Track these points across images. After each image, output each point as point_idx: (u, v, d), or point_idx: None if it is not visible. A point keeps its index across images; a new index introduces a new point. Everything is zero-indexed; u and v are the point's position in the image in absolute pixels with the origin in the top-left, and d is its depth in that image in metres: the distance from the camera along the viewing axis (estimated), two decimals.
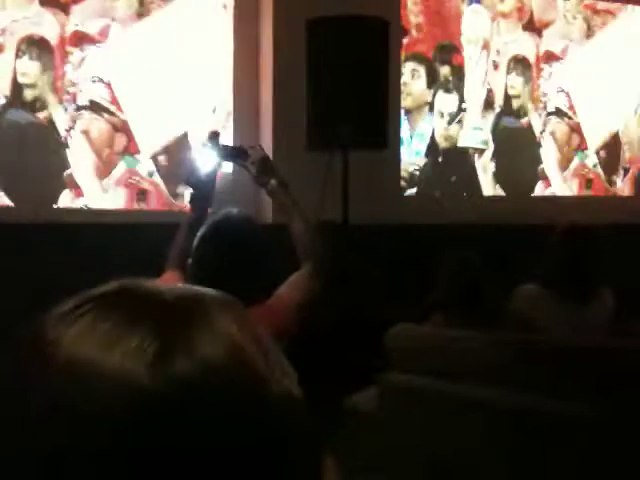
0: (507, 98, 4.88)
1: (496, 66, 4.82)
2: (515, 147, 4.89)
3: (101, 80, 3.81)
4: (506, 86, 4.88)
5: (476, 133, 4.75)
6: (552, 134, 5.03)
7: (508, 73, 4.87)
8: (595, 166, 5.15)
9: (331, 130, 3.50)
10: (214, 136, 2.44)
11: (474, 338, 2.46)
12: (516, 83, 4.90)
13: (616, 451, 1.87)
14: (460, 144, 4.73)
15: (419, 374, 2.47)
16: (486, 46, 4.80)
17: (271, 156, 4.08)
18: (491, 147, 4.79)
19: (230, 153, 2.49)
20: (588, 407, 1.97)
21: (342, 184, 3.61)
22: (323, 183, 3.85)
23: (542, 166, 4.99)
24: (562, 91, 5.03)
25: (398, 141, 4.49)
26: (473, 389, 2.33)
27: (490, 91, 4.82)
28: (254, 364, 0.42)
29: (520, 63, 4.91)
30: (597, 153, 5.13)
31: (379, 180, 4.24)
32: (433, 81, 4.68)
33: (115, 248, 3.43)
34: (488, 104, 4.81)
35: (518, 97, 4.91)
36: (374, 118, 3.58)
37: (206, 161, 2.41)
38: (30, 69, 3.67)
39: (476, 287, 2.77)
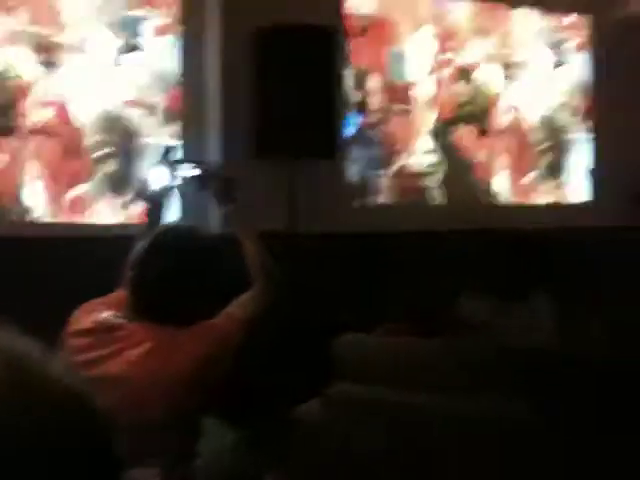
0: None
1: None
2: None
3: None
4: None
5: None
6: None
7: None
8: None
9: (279, 139, 3.49)
10: (169, 152, 2.43)
11: (421, 346, 2.47)
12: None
13: (552, 453, 1.89)
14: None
15: (366, 384, 2.46)
16: None
17: (218, 164, 4.08)
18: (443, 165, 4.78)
19: (188, 171, 2.45)
20: (530, 409, 1.98)
21: (289, 193, 3.61)
22: (272, 192, 3.84)
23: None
24: None
25: (347, 150, 4.50)
26: (420, 397, 2.33)
27: None
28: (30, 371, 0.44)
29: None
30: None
31: (327, 189, 4.23)
32: None
33: (65, 262, 3.36)
34: None
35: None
36: (322, 127, 3.58)
37: (161, 175, 2.38)
38: None
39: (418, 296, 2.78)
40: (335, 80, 3.67)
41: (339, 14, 4.43)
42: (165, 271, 1.98)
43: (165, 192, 2.40)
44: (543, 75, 5.11)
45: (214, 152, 4.07)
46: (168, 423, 1.88)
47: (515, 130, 4.99)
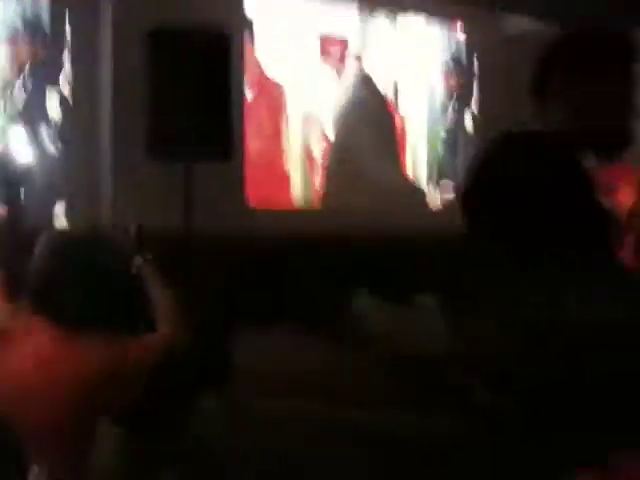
0: None
1: None
2: None
3: None
4: None
5: None
6: None
7: None
8: None
9: (171, 142, 3.47)
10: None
11: (314, 357, 2.50)
12: None
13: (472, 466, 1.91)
14: None
15: (263, 394, 2.47)
16: None
17: (110, 168, 4.02)
18: None
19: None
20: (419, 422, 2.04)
21: (185, 195, 3.59)
22: (166, 195, 3.81)
23: None
24: None
25: (243, 153, 4.51)
26: (315, 406, 2.36)
27: None
28: None
29: None
30: None
31: (224, 193, 4.24)
32: None
33: None
34: None
35: None
36: (216, 130, 3.58)
37: (15, 157, 2.31)
38: None
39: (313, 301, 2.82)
40: (229, 84, 3.68)
41: (237, 17, 4.45)
42: (65, 276, 1.94)
43: (20, 172, 2.32)
44: None
45: (106, 154, 4.01)
46: (61, 425, 1.85)
47: None
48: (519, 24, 5.36)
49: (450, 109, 5.43)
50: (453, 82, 5.39)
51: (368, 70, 5.05)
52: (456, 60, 5.40)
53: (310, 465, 2.19)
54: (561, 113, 1.83)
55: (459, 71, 5.40)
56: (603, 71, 1.81)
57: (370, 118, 5.04)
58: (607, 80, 1.82)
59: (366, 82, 5.08)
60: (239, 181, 4.49)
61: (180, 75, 3.47)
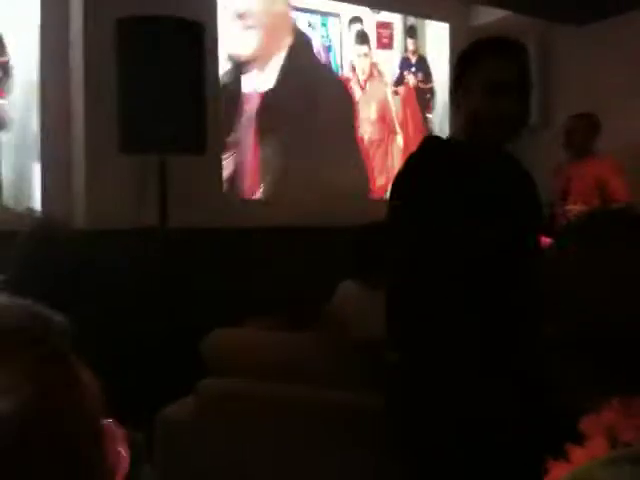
0: None
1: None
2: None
3: None
4: None
5: None
6: None
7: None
8: None
9: (143, 134, 3.41)
10: None
11: (286, 339, 2.49)
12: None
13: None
14: None
15: (234, 377, 2.45)
16: None
17: (83, 160, 3.95)
18: None
19: None
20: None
21: (159, 188, 3.53)
22: (139, 188, 3.75)
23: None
24: None
25: (220, 145, 4.46)
26: (288, 389, 2.34)
27: None
28: None
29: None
30: None
31: (199, 184, 4.19)
32: None
33: None
34: None
35: None
36: (190, 123, 3.52)
37: None
38: None
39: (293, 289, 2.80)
40: (204, 75, 3.62)
41: (209, 5, 4.39)
42: (45, 273, 1.89)
43: None
44: None
45: (79, 146, 3.94)
46: None
47: None
48: (488, 14, 5.37)
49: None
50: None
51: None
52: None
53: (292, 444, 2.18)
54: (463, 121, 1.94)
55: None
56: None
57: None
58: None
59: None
60: (216, 172, 4.45)
61: (151, 65, 3.40)
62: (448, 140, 1.99)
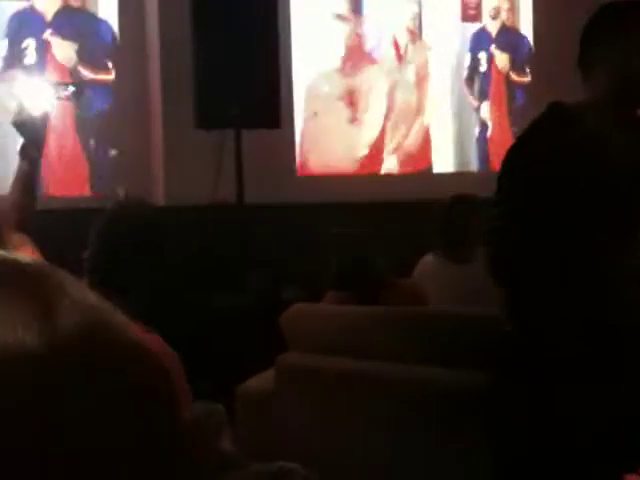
0: None
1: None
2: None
3: None
4: None
5: None
6: None
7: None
8: None
9: (220, 109, 3.43)
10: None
11: (365, 314, 2.47)
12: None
13: (496, 421, 1.91)
14: None
15: (315, 353, 2.46)
16: None
17: (162, 135, 4.01)
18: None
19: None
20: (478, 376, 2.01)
21: (236, 164, 3.55)
22: (217, 163, 3.78)
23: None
24: None
25: (292, 120, 4.46)
26: (370, 365, 2.34)
27: None
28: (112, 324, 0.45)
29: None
30: None
31: (274, 160, 4.19)
32: None
33: None
34: None
35: None
36: (265, 97, 3.53)
37: (36, 105, 2.23)
38: None
39: (365, 264, 2.78)
40: (277, 50, 3.61)
41: None
42: (127, 252, 1.92)
43: (42, 122, 2.24)
44: None
45: (156, 122, 3.99)
46: None
47: None
48: None
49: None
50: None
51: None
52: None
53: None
54: (605, 81, 1.83)
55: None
56: None
57: None
58: None
59: None
60: (290, 148, 4.45)
61: (226, 41, 3.42)
62: (577, 109, 1.85)
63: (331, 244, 2.95)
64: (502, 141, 4.65)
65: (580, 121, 1.78)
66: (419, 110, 4.85)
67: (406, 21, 4.80)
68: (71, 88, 2.38)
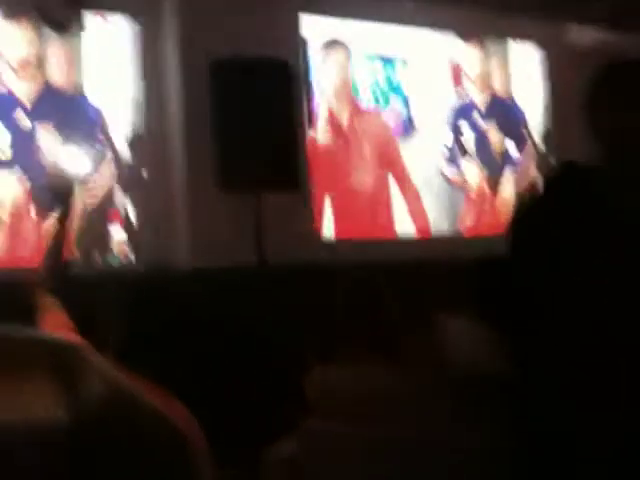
0: None
1: None
2: None
3: None
4: None
5: None
6: None
7: None
8: None
9: (241, 172, 3.47)
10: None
11: (386, 376, 2.45)
12: None
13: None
14: None
15: (338, 418, 2.42)
16: None
17: (183, 198, 4.04)
18: None
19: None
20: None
21: (256, 226, 3.57)
22: (236, 224, 3.80)
23: None
24: None
25: (307, 181, 4.48)
26: (393, 428, 2.30)
27: None
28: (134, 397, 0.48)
29: None
30: None
31: (293, 222, 4.21)
32: None
33: None
34: None
35: None
36: (283, 158, 3.57)
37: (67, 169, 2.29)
38: None
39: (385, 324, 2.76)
40: (292, 111, 3.67)
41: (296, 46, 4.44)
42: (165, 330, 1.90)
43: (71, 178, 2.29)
44: None
45: (180, 185, 4.03)
46: None
47: None
48: (587, 36, 5.21)
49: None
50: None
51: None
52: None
53: None
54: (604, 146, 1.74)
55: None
56: None
57: None
58: None
59: None
60: (307, 208, 4.46)
61: (243, 105, 3.47)
62: (591, 169, 1.76)
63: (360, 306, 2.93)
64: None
65: (595, 183, 1.71)
66: None
67: None
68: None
